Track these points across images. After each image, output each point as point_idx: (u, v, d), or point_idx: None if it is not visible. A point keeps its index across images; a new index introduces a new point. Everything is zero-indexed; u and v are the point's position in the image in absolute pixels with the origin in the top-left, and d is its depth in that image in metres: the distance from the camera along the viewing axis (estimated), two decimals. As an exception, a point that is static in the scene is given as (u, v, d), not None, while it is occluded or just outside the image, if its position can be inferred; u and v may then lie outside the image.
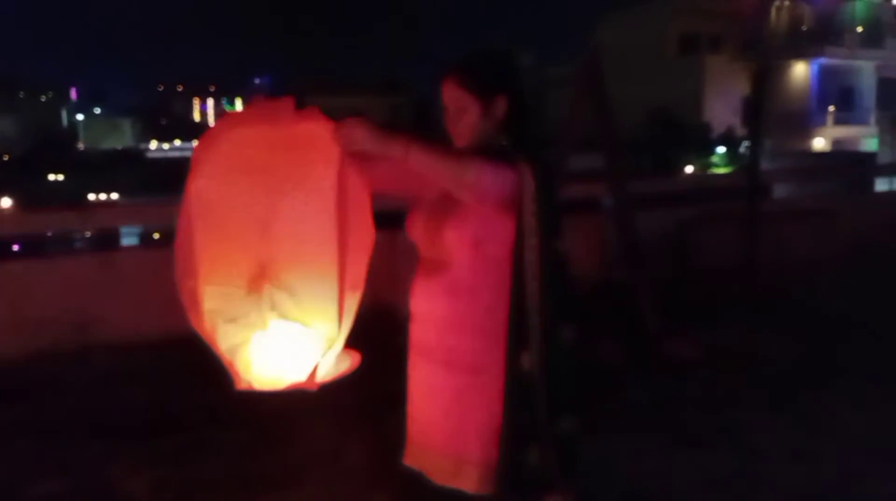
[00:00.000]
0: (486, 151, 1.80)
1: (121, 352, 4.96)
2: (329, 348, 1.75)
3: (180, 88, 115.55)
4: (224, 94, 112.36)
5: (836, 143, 31.09)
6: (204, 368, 4.63)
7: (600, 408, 3.78)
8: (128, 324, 5.25)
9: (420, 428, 1.95)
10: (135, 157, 53.71)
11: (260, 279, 1.80)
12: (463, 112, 1.84)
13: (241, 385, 1.75)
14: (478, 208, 1.78)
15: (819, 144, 31.03)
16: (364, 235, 1.76)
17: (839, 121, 31.70)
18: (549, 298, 1.77)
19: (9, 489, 3.31)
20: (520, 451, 1.80)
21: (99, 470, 3.47)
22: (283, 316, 1.81)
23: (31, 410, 4.17)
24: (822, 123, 31.51)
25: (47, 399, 4.31)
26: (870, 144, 30.14)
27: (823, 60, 31.38)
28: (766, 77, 7.12)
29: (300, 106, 1.73)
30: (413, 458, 1.97)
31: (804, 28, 32.14)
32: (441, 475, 1.89)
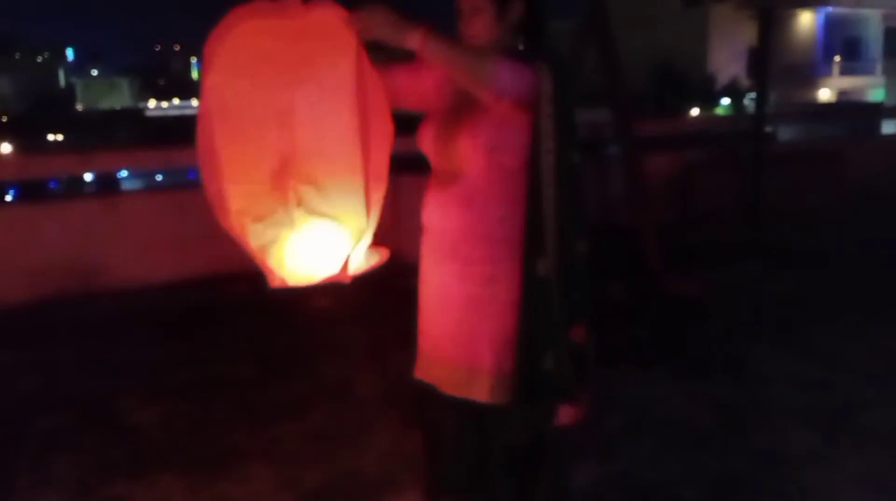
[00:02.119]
0: (502, 53, 1.76)
1: (126, 296, 4.98)
2: (359, 239, 1.73)
3: (177, 48, 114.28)
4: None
5: (841, 94, 30.75)
6: (209, 308, 4.75)
7: (604, 343, 3.81)
8: (132, 268, 5.26)
9: (431, 340, 1.94)
10: (133, 115, 53.36)
11: (283, 174, 1.76)
12: (478, 13, 1.78)
13: (275, 282, 1.73)
14: (491, 115, 1.74)
15: (824, 95, 30.71)
16: (383, 125, 1.72)
17: (845, 71, 31.30)
18: (565, 205, 1.75)
19: (16, 423, 3.34)
20: (535, 358, 1.79)
21: (105, 404, 3.49)
22: (311, 211, 1.78)
23: (37, 351, 4.19)
24: (828, 74, 31.13)
25: (53, 341, 4.32)
26: (876, 94, 29.83)
27: (829, 10, 30.87)
28: (772, 23, 6.99)
29: None
30: (424, 371, 1.96)
31: (810, -24, 31.59)
32: (453, 385, 1.88)
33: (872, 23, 31.74)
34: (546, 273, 1.76)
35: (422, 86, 1.91)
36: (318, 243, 1.79)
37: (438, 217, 1.88)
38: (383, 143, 1.72)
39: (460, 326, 1.87)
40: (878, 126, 10.75)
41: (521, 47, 1.83)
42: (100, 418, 3.37)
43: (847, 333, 4.18)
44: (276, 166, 1.76)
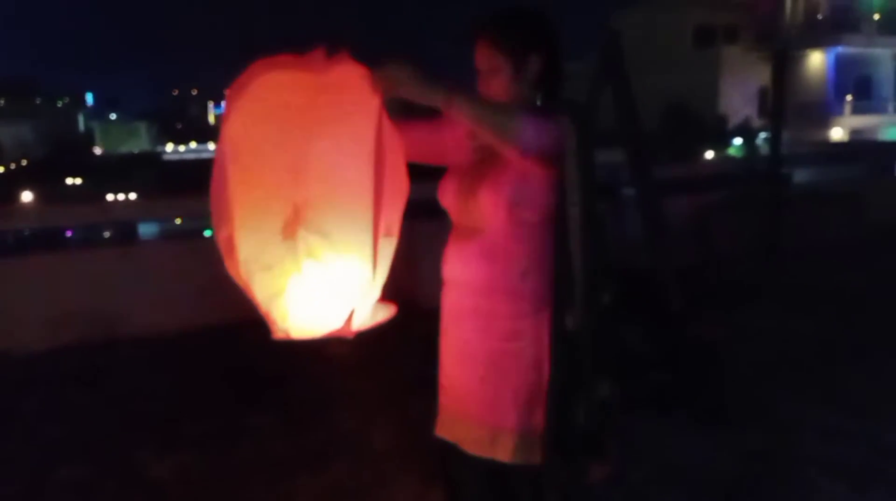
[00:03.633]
0: (524, 108, 1.77)
1: (146, 343, 4.98)
2: (365, 294, 1.72)
3: (195, 93, 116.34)
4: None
5: (854, 132, 30.73)
6: (227, 356, 4.74)
7: (625, 390, 3.77)
8: (151, 316, 5.27)
9: (454, 398, 1.92)
10: (151, 159, 54.10)
11: (294, 224, 1.77)
12: (496, 73, 1.79)
13: (278, 335, 1.72)
14: (513, 171, 1.74)
15: (837, 134, 30.70)
16: (399, 181, 1.73)
17: (857, 110, 31.33)
18: (591, 258, 1.74)
19: (36, 474, 3.33)
20: (566, 415, 1.77)
21: (125, 456, 3.47)
22: (319, 263, 1.79)
23: (57, 399, 4.19)
24: (840, 113, 31.17)
25: (73, 389, 4.32)
26: (889, 133, 29.79)
27: (840, 49, 31.04)
28: (786, 64, 7.03)
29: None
30: (446, 429, 1.93)
31: (820, 17, 31.81)
32: (476, 445, 1.85)
33: (884, 62, 31.86)
34: (575, 327, 1.75)
35: (441, 141, 1.92)
36: (324, 296, 1.78)
37: (460, 272, 1.87)
38: (397, 200, 1.73)
39: (483, 383, 1.84)
40: (893, 166, 10.71)
41: (538, 102, 1.84)
42: (119, 469, 3.35)
43: (871, 376, 4.11)
44: (288, 217, 1.77)
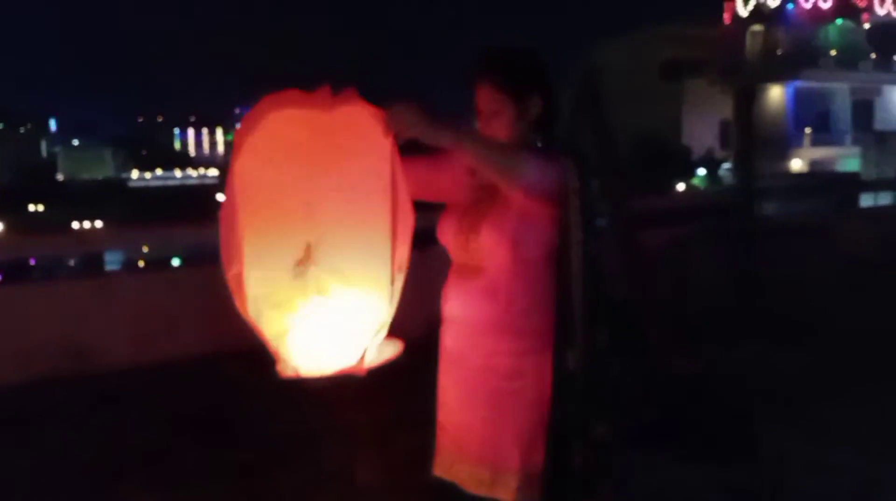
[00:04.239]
0: (527, 149, 1.79)
1: (119, 376, 4.87)
2: (378, 331, 1.71)
3: (160, 119, 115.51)
4: (204, 123, 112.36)
5: (813, 164, 31.58)
6: (204, 390, 4.65)
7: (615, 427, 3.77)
8: (124, 349, 5.17)
9: (453, 437, 1.90)
10: (117, 186, 53.40)
11: (306, 261, 1.76)
12: (498, 114, 1.81)
13: (287, 373, 1.70)
14: (515, 210, 1.76)
15: (797, 165, 31.49)
16: (407, 217, 1.73)
17: (816, 142, 32.24)
18: (590, 296, 1.75)
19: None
20: (565, 455, 1.77)
21: (105, 493, 3.38)
22: (330, 299, 1.77)
23: (30, 436, 4.06)
24: (800, 145, 32.02)
25: (46, 425, 4.20)
26: (847, 164, 30.64)
27: (799, 83, 31.99)
28: (753, 100, 7.21)
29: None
30: (444, 468, 1.92)
31: (779, 52, 32.79)
32: (476, 484, 1.84)
33: (840, 96, 32.88)
34: (575, 366, 1.76)
35: (440, 179, 1.93)
36: (334, 333, 1.77)
37: (461, 310, 1.87)
38: (406, 235, 1.74)
39: (484, 422, 1.84)
40: (856, 198, 11.00)
41: (539, 143, 1.86)
42: (97, 509, 3.26)
43: (854, 409, 4.15)
44: (299, 254, 1.76)
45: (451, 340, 1.92)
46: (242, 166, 1.66)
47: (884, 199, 10.91)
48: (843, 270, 7.33)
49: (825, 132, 32.54)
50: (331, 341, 1.76)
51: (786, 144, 31.20)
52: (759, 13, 32.96)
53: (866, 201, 11.10)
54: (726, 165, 32.30)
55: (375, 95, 1.70)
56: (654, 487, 3.31)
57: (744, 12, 33.36)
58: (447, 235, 1.90)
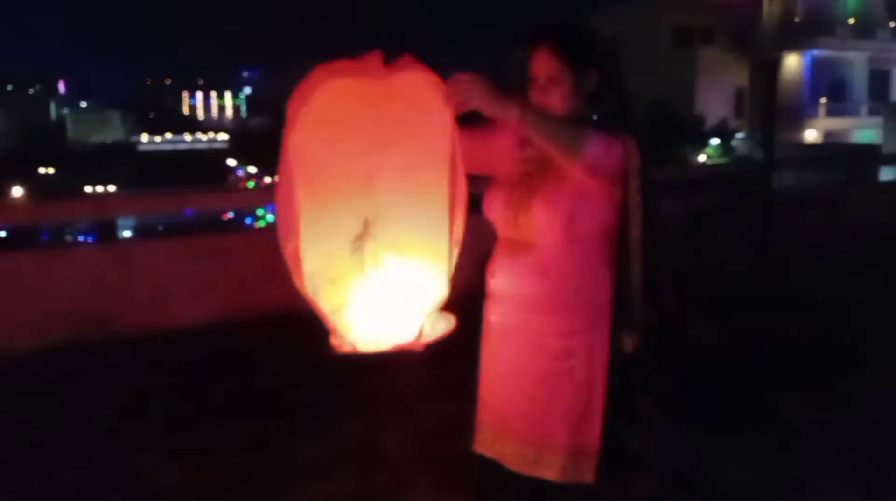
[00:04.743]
0: (583, 124, 1.75)
1: (140, 343, 4.89)
2: (435, 306, 1.70)
3: (168, 82, 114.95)
4: (212, 86, 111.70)
5: (827, 134, 31.21)
6: (226, 357, 4.66)
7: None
8: (145, 315, 5.19)
9: (497, 414, 1.89)
10: (126, 149, 53.36)
11: (364, 236, 1.74)
12: (556, 83, 1.78)
13: (345, 348, 1.70)
14: (570, 186, 1.73)
15: (811, 135, 31.14)
16: (463, 190, 1.71)
17: (831, 112, 31.81)
18: (652, 279, 1.74)
19: (37, 482, 3.24)
20: (621, 436, 1.76)
21: (127, 463, 3.39)
22: (388, 275, 1.75)
23: (52, 402, 4.08)
24: (814, 115, 31.61)
25: (69, 392, 4.22)
26: (862, 135, 30.29)
27: (815, 52, 31.47)
28: (777, 71, 7.11)
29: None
30: (487, 446, 1.91)
31: (796, 20, 32.23)
32: (521, 462, 1.84)
33: (858, 65, 32.35)
34: (632, 350, 1.75)
35: (487, 150, 1.90)
36: (391, 308, 1.75)
37: (509, 286, 1.85)
38: (463, 208, 1.71)
39: (531, 401, 1.83)
40: (876, 171, 10.87)
41: (595, 117, 1.83)
42: (121, 476, 3.27)
43: (875, 381, 4.15)
44: (356, 229, 1.73)
45: (497, 316, 1.89)
46: (297, 141, 1.62)
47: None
48: (857, 241, 7.27)
49: (841, 102, 32.10)
50: (388, 316, 1.75)
51: (801, 114, 30.82)
52: (777, -21, 32.38)
53: (887, 174, 10.97)
54: (740, 135, 32.02)
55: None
56: (676, 458, 3.31)
57: (761, -22, 32.77)
58: (495, 209, 1.87)
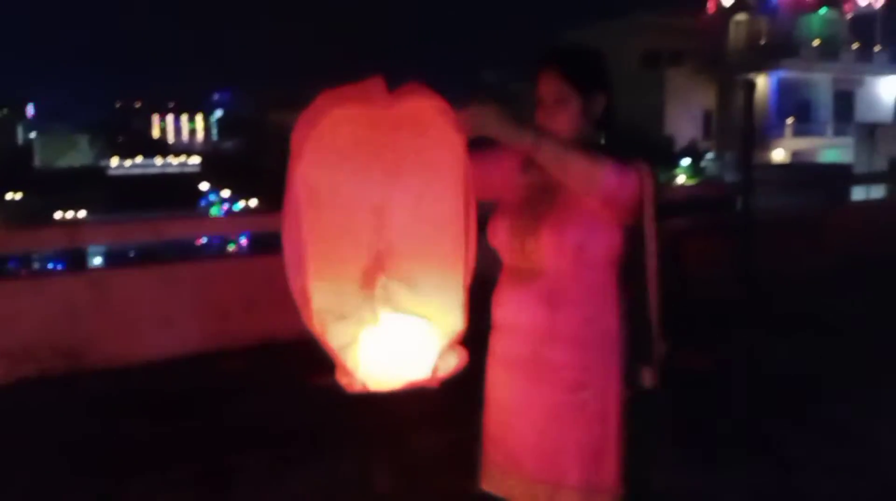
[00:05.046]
0: (588, 149, 1.71)
1: (115, 375, 4.75)
2: (449, 340, 1.63)
3: (138, 105, 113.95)
4: (183, 109, 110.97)
5: (795, 154, 31.78)
6: (205, 387, 4.53)
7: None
8: (119, 346, 5.04)
9: (505, 450, 1.83)
10: (96, 174, 52.64)
11: (375, 271, 1.67)
12: (563, 105, 1.74)
13: (355, 387, 1.62)
14: (579, 212, 1.69)
15: (778, 155, 31.67)
16: (475, 219, 1.66)
17: (798, 132, 32.43)
18: (663, 309, 1.69)
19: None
20: (644, 475, 1.71)
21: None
22: (400, 309, 1.68)
23: (24, 439, 3.92)
24: (781, 135, 32.19)
25: (40, 427, 4.06)
26: (828, 155, 30.86)
27: (782, 73, 32.11)
28: (753, 93, 7.18)
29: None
30: (495, 483, 1.84)
31: (762, 42, 32.94)
32: (531, 500, 1.77)
33: (823, 86, 33.06)
34: (651, 384, 1.70)
35: (489, 176, 1.85)
36: (404, 344, 1.69)
37: (517, 317, 1.79)
38: (475, 238, 1.65)
39: (543, 436, 1.77)
40: (848, 191, 11.02)
41: (602, 141, 1.79)
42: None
43: (866, 405, 4.13)
44: (367, 264, 1.66)
45: (503, 348, 1.83)
46: (303, 172, 1.55)
47: (876, 192, 10.94)
48: (836, 264, 7.31)
49: (807, 123, 32.74)
50: (400, 352, 1.68)
51: (768, 135, 31.34)
52: (743, 2, 33.07)
53: (858, 194, 11.13)
54: (710, 156, 32.47)
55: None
56: (674, 490, 3.25)
57: (727, 1, 33.45)
58: (500, 236, 1.81)
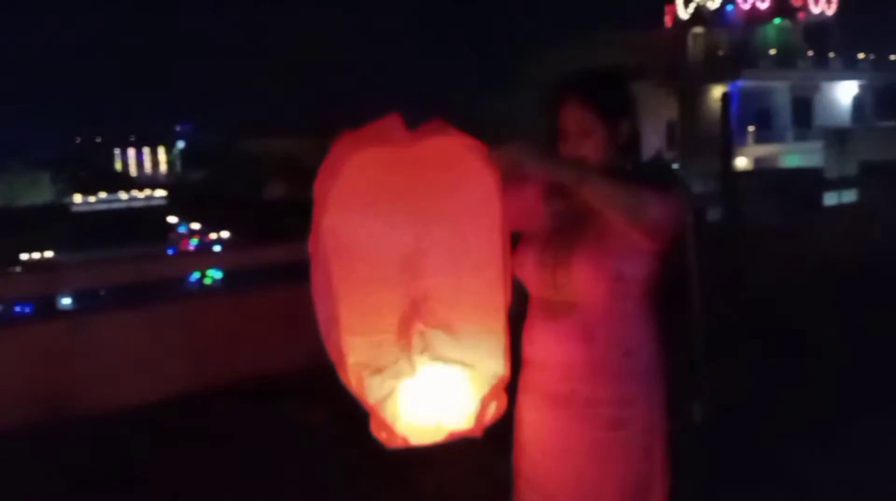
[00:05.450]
0: (619, 177, 1.64)
1: (100, 423, 4.56)
2: (494, 386, 1.53)
3: (99, 139, 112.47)
4: (145, 142, 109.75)
5: (757, 160, 32.31)
6: (196, 431, 4.36)
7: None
8: (103, 392, 4.86)
9: (541, 492, 1.74)
10: (59, 212, 51.67)
11: (411, 320, 1.58)
12: (588, 135, 1.67)
13: (396, 442, 1.52)
14: (615, 242, 1.61)
15: (742, 162, 32.15)
16: (510, 258, 1.57)
17: (759, 139, 33.02)
18: (707, 341, 1.62)
19: None
20: None
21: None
22: (438, 358, 1.59)
23: (7, 493, 3.73)
24: (744, 143, 32.72)
25: (23, 481, 3.86)
26: (789, 159, 31.44)
27: (741, 83, 32.70)
28: (728, 105, 7.23)
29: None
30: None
31: (720, 53, 33.57)
32: (573, 543, 1.69)
33: (781, 94, 33.75)
34: (700, 419, 1.62)
35: (512, 206, 1.77)
36: (443, 394, 1.60)
37: (550, 353, 1.70)
38: (511, 275, 1.58)
39: (582, 476, 1.68)
40: (820, 196, 11.11)
41: (629, 168, 1.72)
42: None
43: (880, 425, 4.06)
44: (403, 313, 1.57)
45: (537, 386, 1.74)
46: (330, 223, 1.46)
47: (847, 197, 11.07)
48: (816, 272, 7.29)
49: (767, 130, 33.36)
50: (441, 403, 1.59)
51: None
52: (700, 16, 33.73)
53: (830, 199, 11.25)
54: (675, 166, 32.85)
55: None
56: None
57: (684, 15, 34.09)
58: (528, 268, 1.72)
